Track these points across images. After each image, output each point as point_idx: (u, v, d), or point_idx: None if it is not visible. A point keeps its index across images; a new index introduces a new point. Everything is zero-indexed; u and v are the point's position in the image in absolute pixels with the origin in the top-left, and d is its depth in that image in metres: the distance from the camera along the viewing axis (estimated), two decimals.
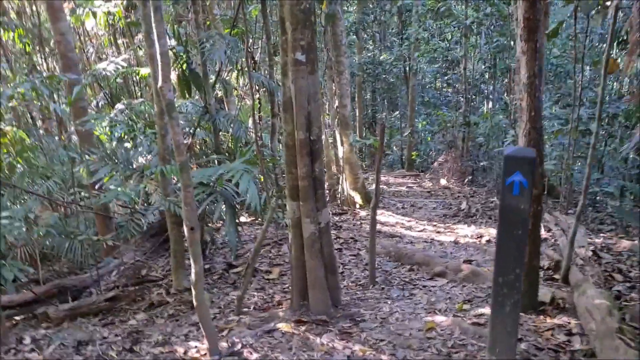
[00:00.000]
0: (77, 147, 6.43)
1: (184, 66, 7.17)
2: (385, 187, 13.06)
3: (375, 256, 5.13)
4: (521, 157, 2.95)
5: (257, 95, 9.28)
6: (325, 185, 10.58)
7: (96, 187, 6.25)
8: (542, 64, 4.17)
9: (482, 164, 13.49)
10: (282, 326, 4.12)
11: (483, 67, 18.35)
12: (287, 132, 4.08)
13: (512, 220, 3.05)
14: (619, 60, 5.21)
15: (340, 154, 8.92)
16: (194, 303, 3.67)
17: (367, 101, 21.67)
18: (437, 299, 4.77)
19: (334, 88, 8.83)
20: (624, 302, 4.15)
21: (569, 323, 3.96)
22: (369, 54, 18.08)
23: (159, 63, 3.19)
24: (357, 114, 16.62)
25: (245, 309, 4.82)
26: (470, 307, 4.53)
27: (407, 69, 16.35)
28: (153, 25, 3.17)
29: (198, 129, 7.65)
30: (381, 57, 17.83)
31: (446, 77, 18.88)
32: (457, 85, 18.00)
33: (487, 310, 4.39)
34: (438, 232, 7.70)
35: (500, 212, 3.08)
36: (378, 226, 7.96)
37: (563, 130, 7.65)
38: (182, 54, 7.00)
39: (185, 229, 3.55)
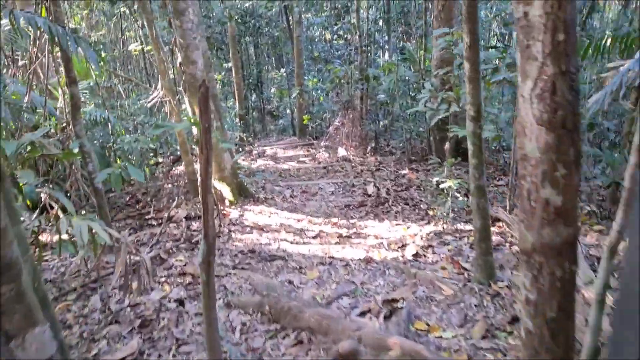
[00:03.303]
0: None
1: None
2: (271, 162, 10.50)
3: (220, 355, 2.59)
4: None
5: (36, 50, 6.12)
6: (183, 179, 7.69)
7: None
8: None
9: (383, 123, 11.21)
10: None
11: (376, 13, 16.18)
12: None
13: None
14: None
15: (195, 131, 6.19)
16: None
17: (251, 59, 18.75)
18: None
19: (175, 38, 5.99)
20: None
21: None
22: (247, 4, 15.16)
23: None
24: (234, 74, 13.76)
25: None
26: None
27: (289, 17, 13.68)
28: None
29: None
30: (260, 11, 15.10)
31: (336, 28, 16.54)
32: (348, 36, 15.68)
33: None
34: (340, 237, 5.32)
35: None
36: (254, 237, 5.43)
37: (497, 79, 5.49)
38: None
39: None
